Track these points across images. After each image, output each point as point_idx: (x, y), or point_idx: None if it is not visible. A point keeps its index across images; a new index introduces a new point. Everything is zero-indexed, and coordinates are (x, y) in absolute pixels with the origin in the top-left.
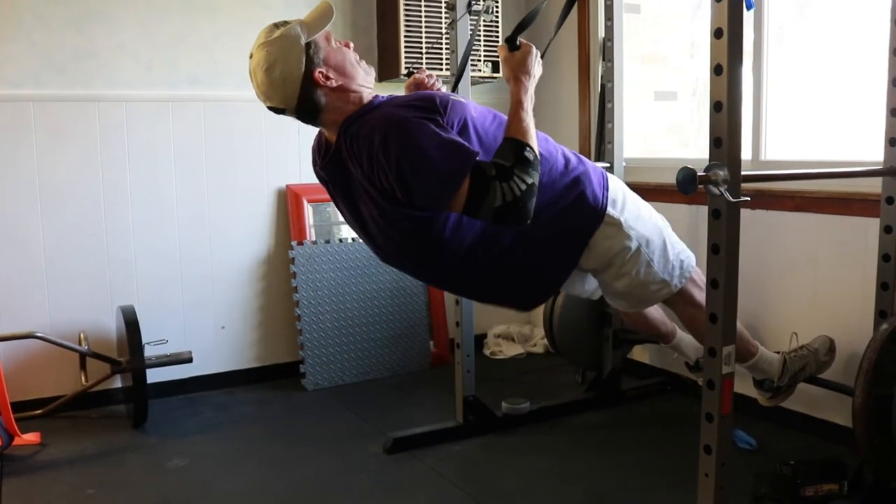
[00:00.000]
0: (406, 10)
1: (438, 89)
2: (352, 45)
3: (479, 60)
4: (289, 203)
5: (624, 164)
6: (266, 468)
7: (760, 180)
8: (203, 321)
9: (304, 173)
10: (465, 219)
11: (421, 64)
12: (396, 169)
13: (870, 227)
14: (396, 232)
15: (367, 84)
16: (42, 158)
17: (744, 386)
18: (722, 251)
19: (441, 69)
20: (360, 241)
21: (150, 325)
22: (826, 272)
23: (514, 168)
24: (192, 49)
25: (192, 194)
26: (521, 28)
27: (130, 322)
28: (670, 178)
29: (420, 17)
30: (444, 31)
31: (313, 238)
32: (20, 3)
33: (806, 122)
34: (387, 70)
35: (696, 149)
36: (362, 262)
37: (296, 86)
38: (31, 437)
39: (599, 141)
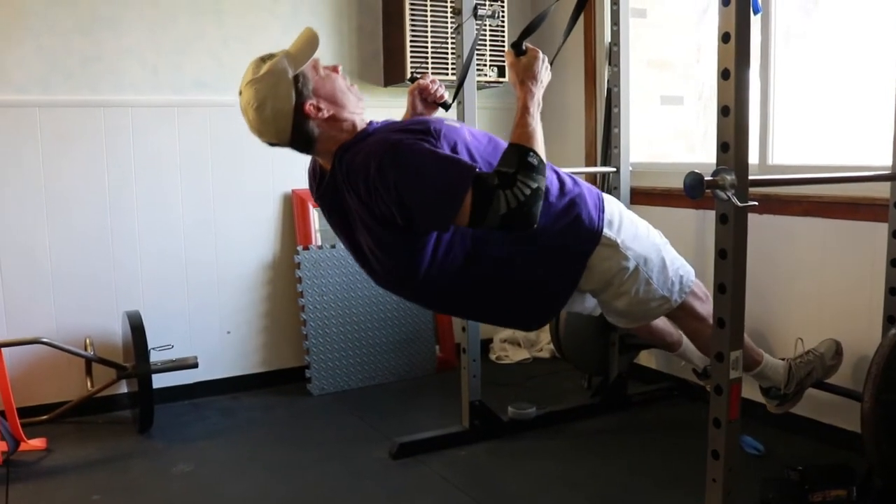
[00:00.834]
0: (412, 14)
1: (441, 97)
2: (340, 68)
3: (485, 65)
4: (294, 208)
5: (630, 168)
6: (271, 473)
7: (768, 185)
8: (209, 326)
9: None
10: (458, 240)
11: (427, 69)
12: (396, 192)
13: (878, 232)
14: (392, 260)
15: (358, 110)
16: (48, 163)
17: (751, 391)
18: (729, 256)
19: (447, 74)
20: None
21: (155, 331)
22: (834, 277)
23: (518, 174)
24: (198, 54)
25: (197, 199)
26: (527, 33)
27: (136, 327)
28: (677, 183)
29: (426, 21)
30: (449, 35)
31: (319, 243)
32: (27, 8)
33: (813, 126)
34: (392, 75)
35: (702, 153)
36: None
37: (287, 120)
38: (37, 443)
39: (606, 145)
